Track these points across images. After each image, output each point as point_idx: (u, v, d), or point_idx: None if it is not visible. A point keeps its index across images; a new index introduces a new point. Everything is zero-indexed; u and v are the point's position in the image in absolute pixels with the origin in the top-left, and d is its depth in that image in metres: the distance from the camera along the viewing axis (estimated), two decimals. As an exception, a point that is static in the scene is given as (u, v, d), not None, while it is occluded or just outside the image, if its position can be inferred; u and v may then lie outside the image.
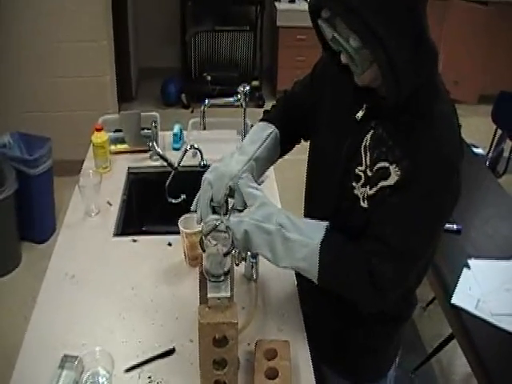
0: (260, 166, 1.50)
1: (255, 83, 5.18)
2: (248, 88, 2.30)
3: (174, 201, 2.14)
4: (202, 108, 2.28)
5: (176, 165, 2.12)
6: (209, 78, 5.01)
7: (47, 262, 1.81)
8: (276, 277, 1.76)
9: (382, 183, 1.26)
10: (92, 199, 2.02)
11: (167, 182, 2.10)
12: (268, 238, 1.31)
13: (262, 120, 1.60)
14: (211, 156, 2.21)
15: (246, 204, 1.38)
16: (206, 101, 2.28)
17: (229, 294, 1.28)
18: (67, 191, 2.19)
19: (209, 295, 1.28)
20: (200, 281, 1.33)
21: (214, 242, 1.28)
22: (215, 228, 1.30)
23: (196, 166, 2.24)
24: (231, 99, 2.31)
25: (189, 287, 1.69)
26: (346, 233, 1.32)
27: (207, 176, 1.42)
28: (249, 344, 1.52)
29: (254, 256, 1.69)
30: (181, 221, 1.77)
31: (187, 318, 1.58)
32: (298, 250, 1.30)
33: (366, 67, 1.19)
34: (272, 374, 1.38)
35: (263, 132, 1.53)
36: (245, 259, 1.68)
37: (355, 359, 1.61)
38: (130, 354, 1.50)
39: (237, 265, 1.64)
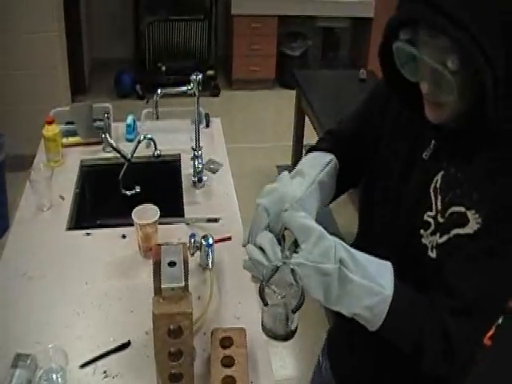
0: (324, 193, 1.25)
1: (210, 72, 5.15)
2: (200, 76, 2.28)
3: (128, 193, 2.12)
4: (155, 98, 2.26)
5: (129, 156, 2.09)
6: (163, 68, 4.96)
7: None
8: (231, 265, 1.76)
9: (457, 231, 1.09)
10: (44, 194, 1.98)
11: (121, 174, 2.07)
12: (324, 279, 1.03)
13: (311, 150, 1.37)
14: (165, 146, 2.19)
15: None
16: (159, 90, 2.25)
17: (183, 284, 1.27)
18: (21, 187, 2.14)
19: (163, 286, 1.26)
20: (154, 271, 1.31)
21: (278, 291, 1.02)
22: (277, 271, 1.02)
23: (150, 157, 2.20)
24: (184, 88, 2.28)
25: (143, 279, 1.68)
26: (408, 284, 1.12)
27: (261, 201, 1.15)
28: (205, 333, 1.52)
29: (209, 245, 1.68)
30: (135, 212, 1.75)
31: (142, 310, 1.56)
32: (363, 297, 1.05)
33: (456, 93, 1.01)
34: (228, 362, 1.38)
35: (323, 158, 1.30)
36: (199, 248, 1.68)
37: None
38: (85, 349, 1.48)
39: (192, 255, 1.64)
